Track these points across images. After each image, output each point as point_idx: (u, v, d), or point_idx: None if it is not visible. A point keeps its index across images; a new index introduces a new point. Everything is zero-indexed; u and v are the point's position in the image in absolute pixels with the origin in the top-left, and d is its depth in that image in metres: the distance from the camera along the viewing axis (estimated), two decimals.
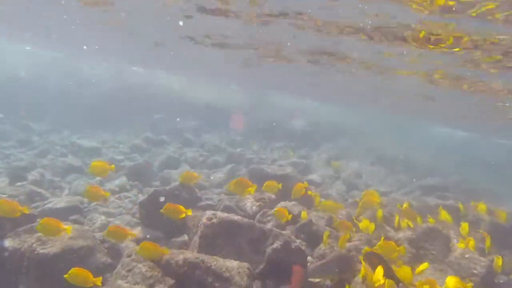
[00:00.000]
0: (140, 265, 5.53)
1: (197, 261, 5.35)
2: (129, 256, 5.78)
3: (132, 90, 25.39)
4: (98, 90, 24.44)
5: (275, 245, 5.87)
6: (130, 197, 10.68)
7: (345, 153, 18.68)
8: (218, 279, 5.17)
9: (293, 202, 8.64)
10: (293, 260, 5.85)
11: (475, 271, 6.17)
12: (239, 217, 6.40)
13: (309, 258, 6.82)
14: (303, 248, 5.96)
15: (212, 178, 12.25)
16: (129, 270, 5.51)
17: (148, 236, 7.44)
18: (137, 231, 7.75)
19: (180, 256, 5.53)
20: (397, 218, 7.54)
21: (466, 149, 27.75)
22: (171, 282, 5.49)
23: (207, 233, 6.15)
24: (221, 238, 6.16)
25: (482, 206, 8.16)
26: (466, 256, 6.45)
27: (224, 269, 5.25)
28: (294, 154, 16.63)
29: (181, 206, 6.55)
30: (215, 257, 5.58)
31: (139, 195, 11.27)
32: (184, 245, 7.29)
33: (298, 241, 6.02)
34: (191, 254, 5.56)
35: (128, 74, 29.44)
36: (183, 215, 6.36)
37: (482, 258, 6.40)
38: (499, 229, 7.98)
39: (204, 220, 6.25)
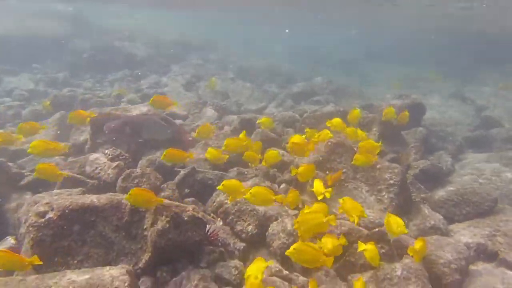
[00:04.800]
0: None
1: None
2: None
3: None
4: None
5: (160, 225, 4.20)
6: None
7: (201, 72, 17.06)
8: None
9: (163, 150, 6.87)
10: (191, 236, 4.37)
11: (391, 181, 5.91)
12: (93, 197, 4.39)
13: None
14: (199, 215, 4.48)
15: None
16: None
17: None
18: None
19: None
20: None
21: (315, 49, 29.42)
22: None
23: (43, 237, 4.01)
24: (70, 237, 4.14)
25: (390, 109, 7.86)
26: (378, 166, 6.11)
27: None
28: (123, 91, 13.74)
29: None
30: (68, 273, 3.63)
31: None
32: None
33: (190, 208, 4.48)
34: (20, 284, 3.46)
35: None
36: None
37: (393, 165, 6.16)
38: (389, 127, 8.05)
39: (33, 218, 4.03)
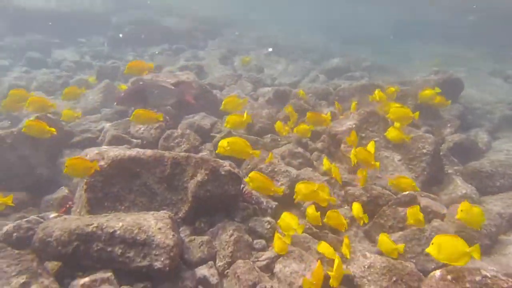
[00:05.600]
0: None
1: (91, 229, 3.68)
2: None
3: None
4: None
5: (199, 177, 4.44)
6: None
7: (236, 47, 17.12)
8: (131, 247, 3.65)
9: (202, 114, 7.10)
10: (227, 190, 4.58)
11: (424, 150, 5.87)
12: (138, 150, 4.68)
13: None
14: (235, 170, 4.69)
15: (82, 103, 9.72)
16: None
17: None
18: None
19: (61, 226, 3.76)
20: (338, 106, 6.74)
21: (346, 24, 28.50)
22: (57, 267, 3.81)
23: (95, 183, 4.36)
24: (118, 184, 4.46)
25: (426, 92, 7.56)
26: (411, 135, 6.07)
27: (136, 230, 3.71)
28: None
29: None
30: (117, 215, 3.96)
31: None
32: (66, 202, 5.38)
33: (227, 163, 4.69)
34: (77, 220, 3.82)
35: None
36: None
37: (427, 135, 6.10)
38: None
39: None
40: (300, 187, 4.64)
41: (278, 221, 4.37)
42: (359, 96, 8.22)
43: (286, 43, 19.12)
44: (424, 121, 7.98)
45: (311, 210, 4.70)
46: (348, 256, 4.28)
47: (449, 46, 21.44)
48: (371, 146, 5.92)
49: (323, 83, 11.95)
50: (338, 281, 3.65)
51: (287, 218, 4.29)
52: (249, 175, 4.41)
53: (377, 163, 5.23)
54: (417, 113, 6.41)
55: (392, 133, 6.04)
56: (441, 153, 6.60)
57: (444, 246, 3.41)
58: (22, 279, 3.42)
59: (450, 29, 25.57)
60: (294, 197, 4.72)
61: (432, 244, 3.49)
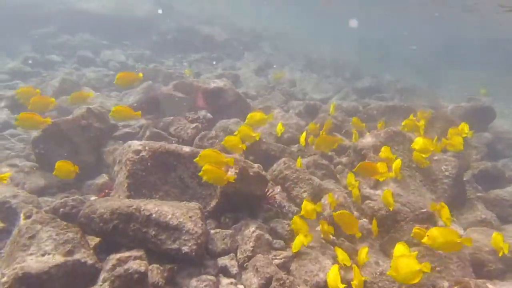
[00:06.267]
0: (47, 228, 4.09)
1: (131, 211, 4.08)
2: (28, 216, 4.26)
3: None
4: None
5: (229, 174, 4.79)
6: (19, 134, 8.48)
7: (271, 61, 17.58)
8: (164, 230, 4.02)
9: (233, 120, 7.49)
10: (253, 189, 4.91)
11: (447, 173, 5.98)
12: (177, 145, 5.10)
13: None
14: (263, 173, 5.02)
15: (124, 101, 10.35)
16: (31, 237, 4.04)
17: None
18: (35, 178, 6.04)
19: (104, 205, 4.19)
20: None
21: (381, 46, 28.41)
22: (96, 242, 4.24)
23: (136, 171, 4.79)
24: (156, 175, 4.88)
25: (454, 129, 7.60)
26: (435, 158, 6.20)
27: (170, 216, 4.08)
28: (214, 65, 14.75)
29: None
30: (153, 201, 4.35)
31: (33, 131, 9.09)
32: (106, 188, 5.86)
33: (256, 165, 5.03)
34: (119, 202, 4.24)
35: None
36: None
37: (450, 158, 6.21)
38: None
39: (130, 154, 4.82)
40: (305, 204, 4.83)
41: (290, 222, 4.62)
42: (387, 116, 8.39)
43: (321, 59, 19.43)
44: None
45: (322, 226, 4.87)
46: (361, 263, 4.45)
47: (490, 72, 21.00)
48: (397, 164, 6.07)
49: (353, 102, 12.15)
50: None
51: (299, 224, 4.55)
52: (203, 168, 4.37)
53: (388, 174, 5.34)
54: (440, 145, 6.38)
55: (416, 156, 6.17)
56: (465, 179, 6.66)
57: (400, 267, 3.59)
58: (67, 247, 3.85)
59: (493, 55, 25.08)
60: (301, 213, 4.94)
61: (391, 267, 3.66)
